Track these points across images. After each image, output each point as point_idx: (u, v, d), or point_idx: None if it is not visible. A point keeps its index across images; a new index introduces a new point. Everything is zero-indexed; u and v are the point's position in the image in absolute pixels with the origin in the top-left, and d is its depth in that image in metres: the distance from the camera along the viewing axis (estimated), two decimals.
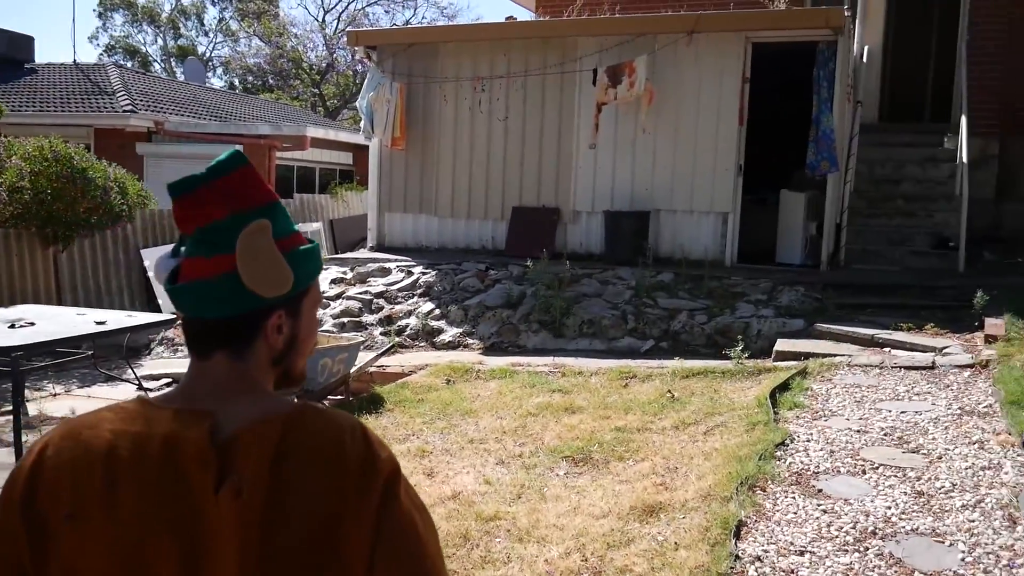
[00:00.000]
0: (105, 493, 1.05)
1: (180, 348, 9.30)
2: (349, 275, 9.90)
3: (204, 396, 1.14)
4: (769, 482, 4.05)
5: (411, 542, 1.13)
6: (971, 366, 5.86)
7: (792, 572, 3.22)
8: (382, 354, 6.86)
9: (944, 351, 6.22)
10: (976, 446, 4.41)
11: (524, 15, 15.04)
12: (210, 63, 38.51)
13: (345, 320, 8.87)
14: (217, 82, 37.46)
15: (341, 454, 1.11)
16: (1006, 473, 4.02)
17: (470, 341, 8.28)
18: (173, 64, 37.95)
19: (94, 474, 1.06)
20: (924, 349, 6.35)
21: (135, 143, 15.08)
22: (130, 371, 7.63)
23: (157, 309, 11.08)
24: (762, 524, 3.62)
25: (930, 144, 10.71)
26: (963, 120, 9.34)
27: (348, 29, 16.62)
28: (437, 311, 8.77)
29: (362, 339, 6.79)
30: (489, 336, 8.26)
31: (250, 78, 37.18)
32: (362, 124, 10.68)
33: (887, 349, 6.56)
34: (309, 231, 14.30)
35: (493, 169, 10.32)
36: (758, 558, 3.33)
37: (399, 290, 9.33)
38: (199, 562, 1.05)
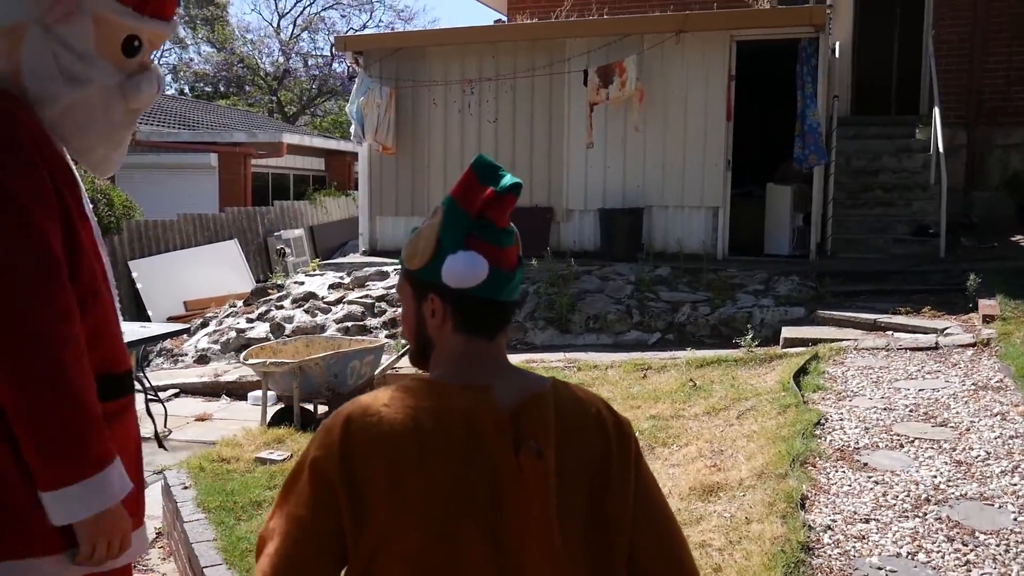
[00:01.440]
0: (417, 461, 1.19)
1: (180, 358, 9.29)
2: (347, 280, 9.97)
3: (480, 373, 1.29)
4: (817, 458, 4.28)
5: (655, 491, 1.36)
6: (973, 345, 6.18)
7: (863, 538, 3.44)
8: (402, 355, 6.97)
9: (945, 332, 6.55)
10: (999, 418, 4.70)
11: (490, 16, 15.21)
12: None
13: (349, 324, 8.94)
14: (167, 90, 36.88)
15: (601, 420, 1.32)
16: None
17: None
18: None
19: (407, 445, 1.19)
20: (926, 331, 6.67)
21: None
22: (145, 382, 7.62)
23: (147, 319, 11.02)
24: (822, 497, 3.85)
25: (902, 135, 11.14)
26: (936, 111, 9.76)
27: (337, 35, 16.59)
28: None
29: (385, 342, 6.90)
30: None
31: (200, 85, 36.76)
32: (352, 129, 10.75)
33: (890, 332, 6.87)
34: (291, 237, 14.30)
35: None
36: (828, 527, 3.55)
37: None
38: (502, 515, 1.21)
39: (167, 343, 9.52)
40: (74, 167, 1.48)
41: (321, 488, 1.21)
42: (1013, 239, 9.78)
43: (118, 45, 1.43)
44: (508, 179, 1.27)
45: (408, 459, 1.19)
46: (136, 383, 1.68)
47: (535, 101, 10.20)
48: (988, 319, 6.56)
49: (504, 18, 15.76)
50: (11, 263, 1.24)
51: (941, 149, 9.31)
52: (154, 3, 1.47)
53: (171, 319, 10.55)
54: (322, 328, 8.92)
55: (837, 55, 11.01)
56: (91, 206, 1.54)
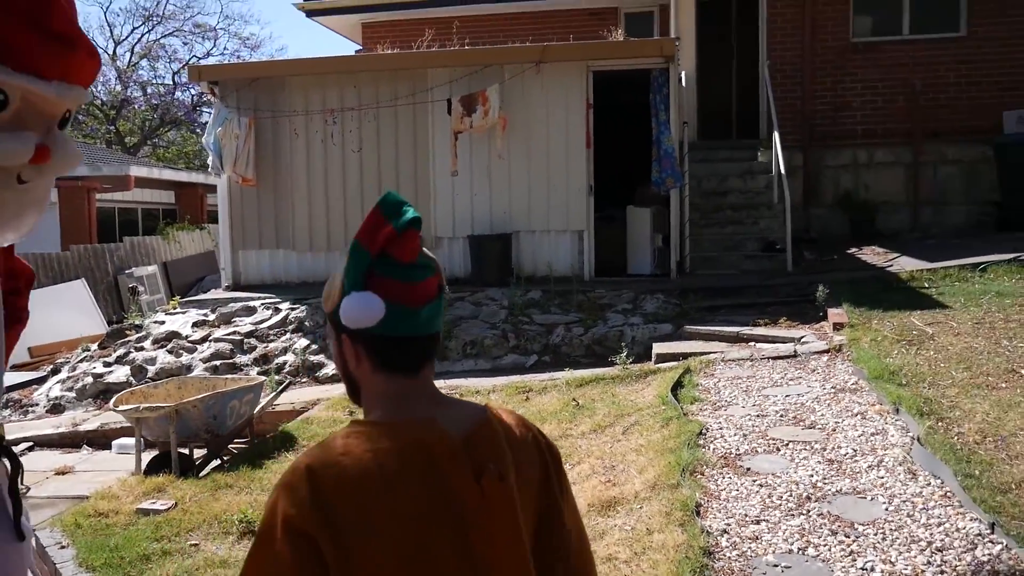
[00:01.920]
0: (385, 501, 1.21)
1: (30, 409, 8.66)
2: (211, 317, 9.61)
3: (417, 408, 1.30)
4: (704, 467, 4.51)
5: (576, 511, 1.45)
6: (827, 351, 6.68)
7: (757, 538, 3.66)
8: (281, 391, 6.80)
9: (802, 340, 7.03)
10: (859, 417, 5.10)
11: (339, 45, 15.11)
12: None
13: (217, 363, 8.62)
14: None
15: (538, 443, 1.39)
16: (892, 436, 4.71)
17: None
18: None
19: (373, 484, 1.21)
20: (784, 340, 7.14)
21: None
22: None
23: None
24: (714, 503, 4.06)
25: (745, 158, 11.89)
26: (775, 135, 10.49)
27: (190, 64, 16.08)
28: (314, 346, 8.73)
29: (263, 379, 6.70)
30: None
31: None
32: (210, 160, 10.42)
33: (752, 343, 7.31)
34: (144, 275, 13.63)
35: (351, 200, 10.39)
36: (724, 531, 3.75)
37: (269, 328, 9.18)
38: (471, 539, 1.24)
39: (14, 394, 8.86)
40: None
41: (302, 545, 1.18)
42: (849, 252, 10.62)
43: None
44: (409, 214, 1.27)
45: (376, 495, 1.20)
46: None
47: (399, 130, 10.23)
48: (838, 326, 7.10)
49: (359, 47, 15.72)
50: None
51: (783, 170, 10.00)
52: (55, 64, 1.30)
53: (16, 368, 9.81)
54: (188, 368, 8.55)
55: (683, 83, 11.64)
56: None
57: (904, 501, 3.90)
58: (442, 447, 1.25)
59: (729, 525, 3.81)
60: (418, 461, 1.23)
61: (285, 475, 1.24)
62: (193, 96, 31.98)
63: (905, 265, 9.18)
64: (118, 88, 31.69)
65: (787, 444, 4.78)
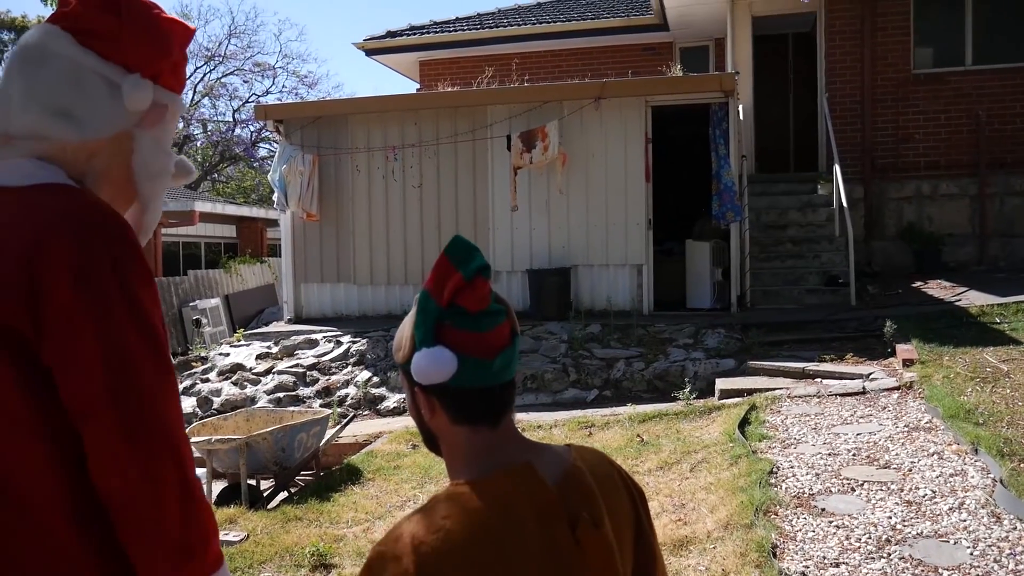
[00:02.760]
0: (493, 568, 1.16)
1: None
2: (275, 349, 9.79)
3: (508, 456, 1.25)
4: (777, 507, 4.44)
5: (660, 552, 1.40)
6: (897, 388, 6.54)
7: None
8: (346, 424, 6.88)
9: (870, 377, 6.90)
10: (936, 457, 4.98)
11: (396, 82, 15.44)
12: None
13: (281, 395, 8.76)
14: None
15: (622, 477, 1.36)
16: (972, 477, 4.59)
17: None
18: None
19: (485, 553, 1.16)
20: (852, 376, 7.01)
21: None
22: None
23: None
24: (790, 544, 3.99)
25: (804, 191, 11.79)
26: (836, 168, 10.40)
27: (256, 104, 16.62)
28: (376, 379, 8.82)
29: (329, 411, 6.78)
30: None
31: None
32: (275, 197, 10.67)
33: (819, 379, 7.19)
34: (208, 307, 13.94)
35: (411, 235, 10.54)
36: (802, 574, 3.68)
37: (331, 360, 9.31)
38: None
39: None
40: None
41: None
42: (914, 285, 10.41)
43: None
44: (477, 260, 1.22)
45: (483, 562, 1.16)
46: None
47: (459, 166, 10.37)
48: (908, 363, 6.96)
49: (417, 85, 16.02)
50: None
51: (845, 203, 9.89)
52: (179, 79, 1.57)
53: None
54: (252, 400, 8.71)
55: (741, 117, 11.62)
56: None
57: (990, 546, 3.78)
58: (541, 498, 1.21)
59: (808, 568, 3.74)
60: (521, 517, 1.19)
61: (387, 543, 1.20)
62: (252, 132, 32.84)
63: (974, 299, 8.96)
64: (180, 125, 32.71)
65: (862, 484, 4.68)
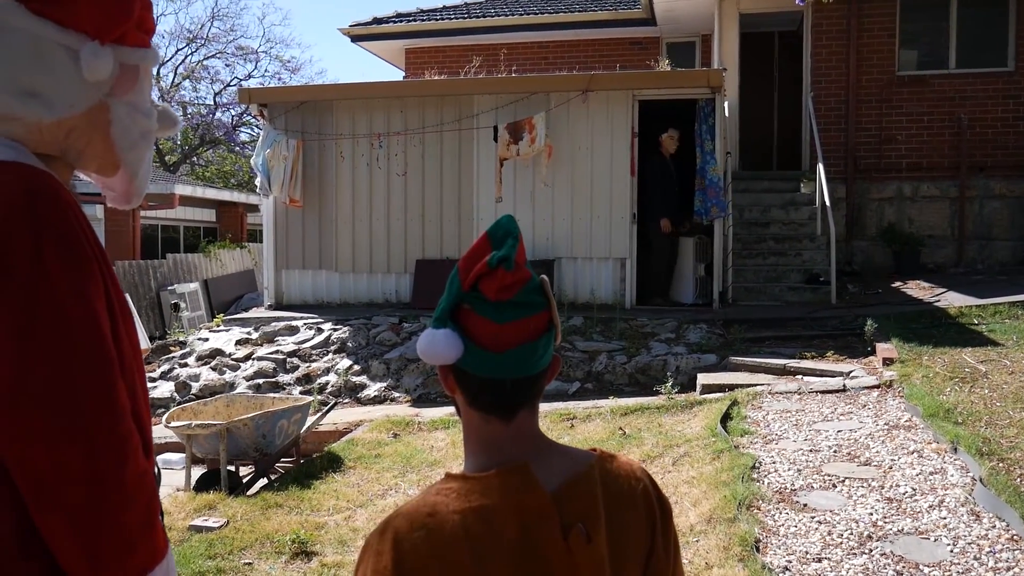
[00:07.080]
0: (475, 571, 1.14)
1: None
2: (254, 335, 9.71)
3: (513, 455, 1.20)
4: (760, 501, 4.46)
5: (679, 558, 1.33)
6: (877, 387, 6.59)
7: None
8: (327, 411, 6.84)
9: (851, 375, 6.95)
10: (916, 455, 5.03)
11: (379, 68, 15.35)
12: None
13: (260, 381, 8.70)
14: None
15: (646, 496, 1.27)
16: (952, 476, 4.63)
17: (396, 395, 8.35)
18: None
19: (461, 555, 1.14)
20: (832, 374, 7.06)
21: None
22: None
23: None
24: (773, 539, 4.01)
25: (787, 189, 11.85)
26: (820, 167, 10.46)
27: (240, 87, 16.40)
28: (357, 367, 8.77)
29: (310, 399, 6.74)
30: (415, 388, 8.36)
31: None
32: (258, 181, 10.56)
33: (799, 376, 7.23)
34: (186, 292, 13.80)
35: (394, 223, 10.48)
36: (785, 568, 3.70)
37: (312, 348, 9.25)
38: None
39: None
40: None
41: None
42: (893, 285, 10.50)
43: None
44: (503, 250, 1.17)
45: (461, 565, 1.14)
46: None
47: (444, 155, 10.32)
48: (887, 361, 7.02)
49: (402, 74, 15.92)
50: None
51: (828, 202, 9.95)
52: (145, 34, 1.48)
53: None
54: (231, 386, 8.63)
55: (727, 114, 11.65)
56: None
57: (969, 543, 3.82)
58: (531, 503, 1.17)
59: (791, 562, 3.76)
60: (506, 523, 1.16)
61: (375, 535, 1.19)
62: (233, 116, 32.52)
63: (953, 300, 9.06)
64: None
65: (843, 480, 4.72)
